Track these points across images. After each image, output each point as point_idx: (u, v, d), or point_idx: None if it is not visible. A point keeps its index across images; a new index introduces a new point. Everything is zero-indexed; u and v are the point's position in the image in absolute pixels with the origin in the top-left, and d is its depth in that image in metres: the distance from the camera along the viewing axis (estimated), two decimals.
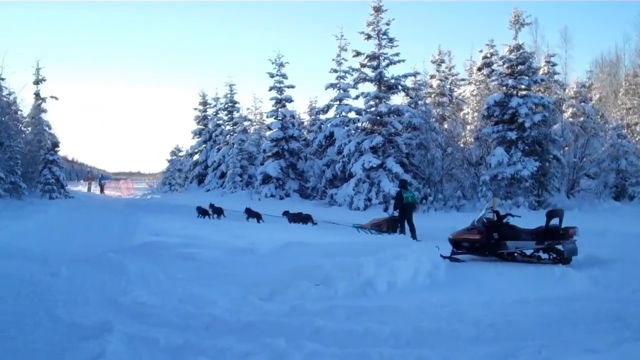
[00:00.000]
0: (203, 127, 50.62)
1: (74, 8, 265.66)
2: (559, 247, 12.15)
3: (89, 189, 56.01)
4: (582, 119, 30.31)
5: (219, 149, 47.14)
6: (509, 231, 12.77)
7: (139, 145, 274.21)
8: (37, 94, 37.51)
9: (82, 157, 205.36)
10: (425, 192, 27.79)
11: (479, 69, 33.75)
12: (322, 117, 39.22)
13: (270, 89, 38.81)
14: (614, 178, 26.92)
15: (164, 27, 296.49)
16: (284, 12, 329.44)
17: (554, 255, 12.29)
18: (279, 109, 38.36)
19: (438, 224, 19.69)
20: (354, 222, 20.10)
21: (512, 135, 26.15)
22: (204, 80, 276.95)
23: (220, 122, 49.90)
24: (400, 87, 31.97)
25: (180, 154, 52.99)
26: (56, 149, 38.35)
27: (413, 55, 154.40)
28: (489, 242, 12.78)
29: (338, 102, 35.85)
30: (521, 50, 27.62)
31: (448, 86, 36.84)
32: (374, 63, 31.26)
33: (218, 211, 25.09)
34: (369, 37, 30.94)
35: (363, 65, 31.82)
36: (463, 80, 39.58)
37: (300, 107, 68.48)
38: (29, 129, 37.76)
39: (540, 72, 31.56)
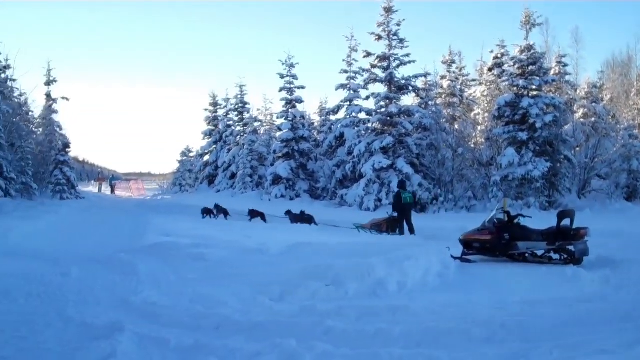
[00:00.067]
0: (213, 128, 50.65)
1: (85, 8, 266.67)
2: (570, 247, 12.10)
3: (100, 189, 56.26)
4: (593, 119, 30.15)
5: (229, 150, 47.16)
6: (520, 232, 12.73)
7: (149, 146, 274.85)
8: (48, 95, 37.70)
9: (93, 157, 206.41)
10: (435, 192, 27.74)
11: (490, 70, 33.62)
12: (333, 117, 39.27)
13: (281, 89, 38.81)
14: (626, 179, 26.80)
15: (176, 28, 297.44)
16: (295, 13, 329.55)
17: (565, 256, 12.24)
18: (289, 110, 38.36)
19: (448, 224, 19.64)
20: (355, 223, 20.14)
21: (523, 135, 26.06)
22: (214, 81, 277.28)
23: (231, 122, 49.92)
24: (410, 88, 31.94)
25: (191, 154, 53.13)
26: (67, 149, 38.51)
27: (423, 56, 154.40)
28: (499, 242, 12.75)
29: (348, 103, 35.85)
30: (532, 51, 27.52)
31: (459, 87, 36.76)
32: (385, 64, 31.24)
33: (223, 211, 25.23)
34: (379, 37, 30.92)
35: (373, 66, 31.81)
36: (474, 80, 39.43)
37: (310, 108, 68.45)
38: (40, 129, 38.00)
39: (552, 72, 31.47)
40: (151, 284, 9.86)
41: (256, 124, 48.37)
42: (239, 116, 49.74)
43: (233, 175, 45.02)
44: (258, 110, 52.62)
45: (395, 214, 18.93)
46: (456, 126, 31.60)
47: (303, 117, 40.02)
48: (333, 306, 7.96)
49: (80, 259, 12.36)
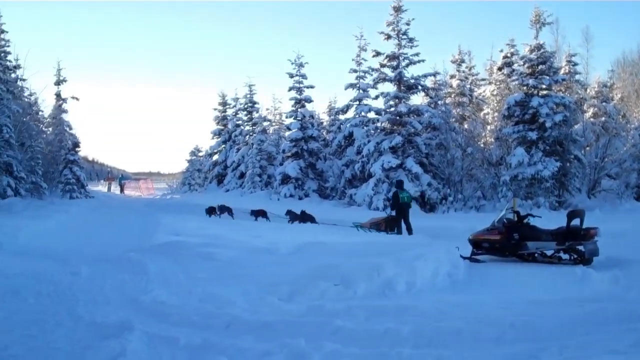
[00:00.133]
0: (222, 128, 50.68)
1: (93, 9, 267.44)
2: (580, 247, 12.05)
3: (109, 189, 56.52)
4: (603, 118, 30.07)
5: (238, 149, 47.20)
6: (530, 232, 12.68)
7: (158, 145, 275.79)
8: (58, 95, 37.83)
9: (103, 157, 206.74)
10: (444, 192, 27.70)
11: (499, 69, 33.53)
12: (342, 117, 39.17)
13: (290, 89, 38.84)
14: (636, 178, 26.65)
15: (185, 28, 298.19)
16: (304, 12, 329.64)
17: (575, 256, 12.19)
18: (299, 109, 38.40)
19: (457, 224, 19.63)
20: (355, 222, 20.34)
21: (533, 135, 25.98)
22: (224, 81, 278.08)
23: (240, 122, 49.96)
24: (420, 87, 31.89)
25: (200, 154, 53.23)
26: (77, 149, 38.61)
27: (433, 55, 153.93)
28: (509, 242, 12.70)
29: (357, 102, 35.82)
30: (542, 50, 27.43)
31: (468, 86, 36.68)
32: (394, 63, 31.18)
33: (227, 210, 25.49)
34: (388, 37, 30.86)
35: (383, 65, 31.75)
36: (483, 80, 39.33)
37: (319, 107, 68.62)
38: (50, 129, 38.15)
39: (561, 71, 31.35)
40: (160, 283, 9.89)
41: (265, 124, 48.41)
42: (248, 116, 49.77)
43: (242, 175, 45.07)
44: (267, 109, 52.77)
45: (394, 213, 19.20)
46: (465, 125, 31.55)
47: (312, 116, 40.03)
48: (342, 306, 7.95)
49: (89, 258, 12.41)
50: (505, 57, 33.12)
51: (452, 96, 35.22)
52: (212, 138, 51.50)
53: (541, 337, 6.41)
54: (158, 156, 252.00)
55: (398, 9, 30.47)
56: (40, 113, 37.17)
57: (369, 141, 30.98)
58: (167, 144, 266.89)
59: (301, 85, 38.73)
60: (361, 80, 35.93)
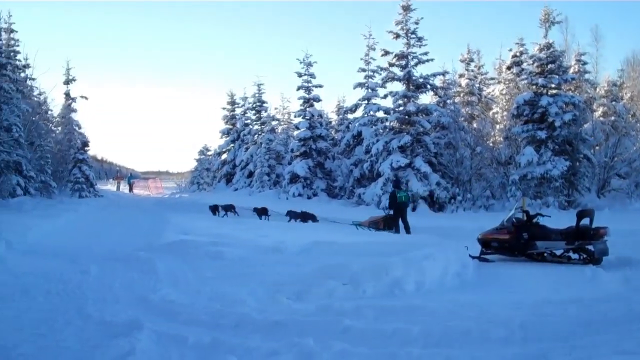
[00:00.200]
0: (231, 127, 50.72)
1: (103, 9, 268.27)
2: (590, 247, 12.02)
3: (118, 188, 56.71)
4: (613, 118, 29.96)
5: (246, 149, 47.28)
6: (539, 231, 12.67)
7: (167, 145, 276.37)
8: (67, 94, 38.03)
9: (111, 156, 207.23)
10: (453, 191, 27.65)
11: (509, 68, 33.46)
12: (350, 116, 39.17)
13: (298, 88, 38.86)
14: None
15: (194, 27, 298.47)
16: (313, 11, 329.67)
17: (585, 256, 12.16)
18: (307, 109, 38.40)
19: (466, 223, 19.63)
20: (354, 221, 20.60)
21: (542, 134, 25.91)
22: (232, 80, 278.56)
23: (248, 121, 50.03)
24: (428, 86, 31.82)
25: (209, 153, 53.32)
26: (86, 148, 38.81)
27: (442, 54, 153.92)
28: (518, 242, 12.69)
29: (366, 102, 35.80)
30: (551, 49, 27.36)
31: (477, 85, 36.58)
32: (403, 62, 31.11)
33: (231, 208, 25.77)
34: (397, 36, 30.79)
35: (391, 65, 31.68)
36: (492, 79, 39.21)
37: (328, 107, 68.34)
38: (59, 128, 38.31)
39: (571, 70, 31.26)
40: (169, 282, 9.91)
41: (274, 123, 48.39)
42: (257, 115, 49.83)
43: (250, 174, 45.15)
44: (275, 109, 52.84)
45: (392, 212, 19.46)
46: (474, 125, 31.46)
47: (321, 115, 40.04)
48: (350, 305, 7.94)
49: (99, 256, 12.46)
50: (514, 56, 33.06)
51: (461, 95, 35.12)
52: (221, 137, 51.62)
53: (550, 337, 6.39)
54: (167, 155, 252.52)
55: (407, 8, 30.40)
56: (49, 112, 37.33)
57: (377, 140, 30.93)
58: (176, 144, 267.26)
59: (310, 85, 38.76)
60: (370, 80, 35.91)
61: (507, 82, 32.79)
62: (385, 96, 33.34)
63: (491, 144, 30.12)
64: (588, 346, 5.97)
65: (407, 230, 19.06)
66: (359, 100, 36.41)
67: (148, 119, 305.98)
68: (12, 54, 31.21)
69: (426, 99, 33.49)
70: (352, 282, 9.21)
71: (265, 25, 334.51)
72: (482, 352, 5.97)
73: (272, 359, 5.88)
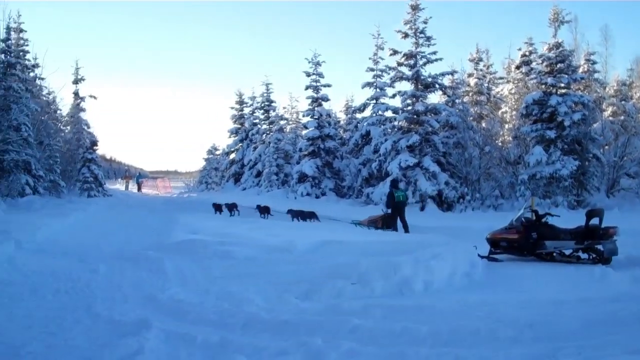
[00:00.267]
0: (239, 126, 50.71)
1: (112, 9, 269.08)
2: (599, 247, 12.02)
3: (127, 187, 56.86)
4: (622, 117, 29.86)
5: (255, 148, 47.29)
6: (548, 231, 12.65)
7: (176, 144, 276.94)
8: (76, 94, 38.16)
9: (120, 156, 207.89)
10: (462, 191, 27.59)
11: (518, 67, 33.39)
12: (359, 115, 39.12)
13: (307, 87, 38.79)
14: None
15: (203, 27, 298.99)
16: (321, 11, 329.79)
17: (594, 255, 12.15)
18: (315, 108, 38.35)
19: (475, 223, 19.58)
20: (353, 219, 21.03)
21: (551, 134, 25.82)
22: (240, 79, 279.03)
23: (257, 121, 50.00)
24: (437, 86, 31.70)
25: (217, 152, 53.46)
26: (95, 147, 38.90)
27: (450, 54, 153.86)
28: (527, 241, 12.68)
29: (374, 101, 35.75)
30: (560, 48, 27.26)
31: (486, 84, 36.44)
32: (411, 61, 31.02)
33: (234, 207, 25.86)
34: (406, 35, 30.70)
35: (400, 64, 31.57)
36: (501, 78, 39.07)
37: (336, 106, 68.31)
38: (68, 127, 38.42)
39: (580, 70, 31.16)
40: (178, 281, 9.94)
41: (282, 122, 48.27)
42: (265, 114, 49.79)
43: (259, 173, 45.16)
44: (284, 108, 52.82)
45: (390, 211, 19.60)
46: (483, 124, 31.39)
47: (329, 115, 40.00)
48: (359, 305, 7.94)
49: (107, 256, 12.50)
50: (523, 55, 33.00)
51: (470, 95, 35.02)
52: (229, 137, 51.57)
53: (559, 337, 6.38)
54: (175, 155, 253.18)
55: (415, 8, 30.31)
56: (58, 112, 37.42)
57: (386, 140, 30.85)
58: (184, 143, 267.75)
59: (318, 84, 38.71)
60: (378, 79, 35.84)
61: (516, 82, 32.72)
62: (393, 96, 33.26)
63: (500, 144, 30.05)
64: (597, 346, 5.96)
65: (406, 229, 19.21)
66: (368, 99, 36.35)
67: (157, 118, 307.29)
68: (21, 53, 31.27)
69: (435, 98, 33.44)
70: (360, 282, 9.21)
71: (274, 25, 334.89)
72: (491, 352, 5.96)
73: (281, 358, 5.88)
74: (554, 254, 12.57)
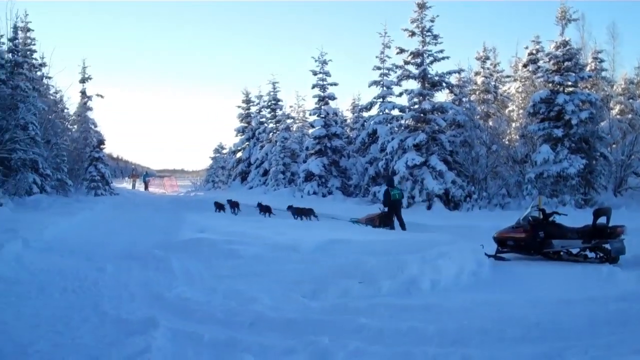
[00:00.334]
0: (246, 125, 50.76)
1: (119, 8, 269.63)
2: (606, 246, 11.98)
3: (134, 186, 56.93)
4: (630, 116, 29.76)
5: (261, 147, 47.32)
6: (555, 229, 12.63)
7: (183, 143, 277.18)
8: (83, 92, 38.26)
9: (127, 154, 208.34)
10: (469, 190, 27.54)
11: (525, 66, 33.34)
12: (365, 114, 39.09)
13: (313, 86, 38.80)
14: None
15: (207, 26, 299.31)
16: (328, 9, 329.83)
17: (601, 254, 12.12)
18: (322, 107, 38.35)
19: (482, 222, 19.57)
20: (352, 217, 21.24)
21: (559, 132, 25.74)
22: (247, 78, 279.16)
23: (263, 119, 50.04)
24: (444, 84, 31.63)
25: (224, 151, 53.55)
26: (102, 146, 38.96)
27: (457, 52, 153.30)
28: (534, 240, 12.66)
29: (381, 100, 35.75)
30: (568, 47, 27.15)
31: (493, 83, 36.33)
32: (418, 60, 30.94)
33: (236, 205, 26.11)
34: (412, 34, 30.62)
35: (407, 63, 31.48)
36: (508, 77, 38.98)
37: (343, 105, 68.35)
38: (75, 126, 38.53)
39: (587, 68, 31.05)
40: (185, 280, 9.95)
41: (289, 121, 48.26)
42: (272, 113, 49.80)
43: (265, 172, 45.19)
44: (290, 107, 52.71)
45: (387, 210, 20.05)
46: (490, 123, 31.30)
47: (336, 113, 40.01)
48: (366, 304, 7.94)
49: (114, 254, 12.52)
50: (530, 53, 32.96)
51: (477, 93, 34.93)
52: (236, 135, 51.65)
53: (567, 336, 6.37)
54: (182, 154, 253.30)
55: (422, 6, 30.24)
56: (65, 111, 37.48)
57: (392, 138, 30.80)
58: (191, 142, 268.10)
59: (325, 83, 38.72)
60: (385, 78, 35.82)
61: (523, 80, 32.67)
62: (400, 94, 33.22)
63: (507, 142, 29.99)
64: (605, 345, 5.95)
65: (402, 226, 19.54)
66: (374, 98, 36.37)
67: (163, 117, 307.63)
68: (28, 52, 31.35)
69: (442, 97, 33.38)
70: (367, 281, 9.22)
71: (281, 24, 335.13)
72: (498, 351, 5.96)
73: (288, 357, 5.90)
74: (561, 253, 12.54)
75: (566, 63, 26.82)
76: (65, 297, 8.57)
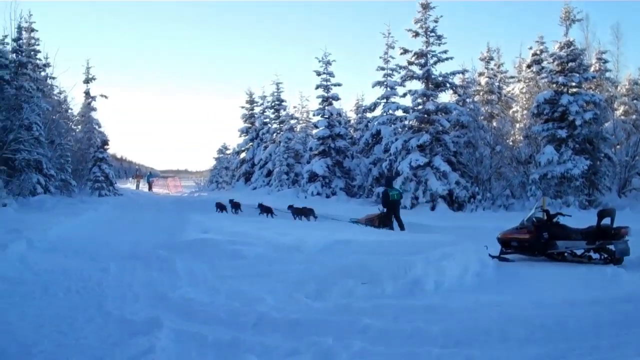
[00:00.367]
0: (250, 126, 50.74)
1: (123, 9, 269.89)
2: (611, 247, 11.98)
3: (138, 186, 56.96)
4: (634, 116, 29.75)
5: (265, 147, 47.33)
6: (559, 230, 12.61)
7: (186, 143, 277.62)
8: (87, 93, 38.30)
9: (131, 155, 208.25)
10: (473, 190, 27.52)
11: (529, 66, 33.29)
12: (369, 115, 39.13)
13: (317, 87, 38.77)
14: None
15: (211, 26, 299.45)
16: (332, 10, 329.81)
17: (605, 256, 12.11)
18: (326, 107, 38.33)
19: (486, 223, 19.54)
20: (351, 218, 21.49)
21: (562, 133, 25.72)
22: (251, 79, 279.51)
23: (267, 120, 50.02)
24: (448, 85, 31.58)
25: (227, 152, 53.56)
26: (105, 147, 39.03)
27: (461, 53, 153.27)
28: (538, 241, 12.64)
29: (385, 100, 35.74)
30: (572, 47, 27.13)
31: (497, 84, 36.32)
32: (422, 61, 30.93)
33: (237, 206, 26.25)
34: (416, 34, 30.61)
35: (410, 63, 31.47)
36: (512, 77, 38.92)
37: (347, 105, 68.46)
38: (79, 127, 38.58)
39: (592, 69, 31.05)
40: (189, 280, 9.94)
41: (292, 122, 48.26)
42: (275, 113, 49.78)
43: (269, 173, 45.20)
44: (294, 107, 52.85)
45: (385, 210, 20.18)
46: (494, 123, 31.32)
47: (339, 114, 39.94)
48: (369, 304, 7.93)
49: (118, 255, 12.51)
50: (534, 54, 32.91)
51: (481, 94, 34.94)
52: (240, 136, 51.59)
53: (571, 338, 6.35)
54: (186, 154, 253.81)
55: (426, 7, 30.23)
56: (69, 111, 37.56)
57: (396, 139, 30.82)
58: (195, 142, 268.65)
59: (328, 83, 38.70)
60: (389, 78, 35.82)
61: (527, 81, 32.63)
62: (404, 95, 33.13)
63: (511, 143, 29.96)
64: (609, 347, 5.94)
65: (401, 227, 19.64)
66: (378, 98, 36.38)
67: (167, 118, 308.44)
68: (32, 53, 31.42)
69: (445, 97, 33.33)
70: (371, 281, 9.20)
71: (285, 25, 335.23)
72: (502, 352, 5.95)
73: (291, 358, 5.89)
74: (565, 254, 12.53)
75: (570, 64, 26.80)
76: (69, 298, 8.56)
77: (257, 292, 8.72)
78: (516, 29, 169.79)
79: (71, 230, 17.24)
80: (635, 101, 30.88)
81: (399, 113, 34.25)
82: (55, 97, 34.74)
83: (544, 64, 30.35)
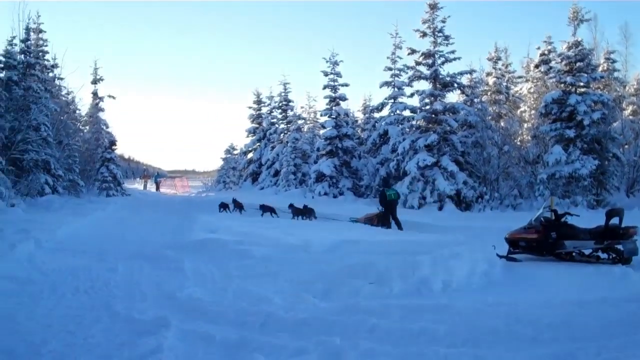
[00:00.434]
0: (257, 126, 50.73)
1: (131, 10, 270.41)
2: (619, 246, 11.92)
3: (145, 186, 57.04)
4: None
5: (272, 148, 47.32)
6: (568, 230, 12.56)
7: (194, 144, 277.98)
8: (94, 93, 38.43)
9: (139, 155, 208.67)
10: (481, 190, 27.48)
11: (536, 66, 33.23)
12: (377, 115, 39.10)
13: (324, 87, 38.72)
14: None
15: (219, 27, 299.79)
16: (339, 10, 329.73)
17: (614, 255, 12.05)
18: (333, 108, 38.28)
19: (494, 223, 19.49)
20: (351, 217, 21.83)
21: (571, 133, 25.65)
22: (258, 79, 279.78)
23: (275, 120, 50.01)
24: (455, 85, 31.57)
25: (235, 152, 53.58)
26: (113, 147, 39.13)
27: (469, 53, 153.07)
28: (546, 241, 12.59)
29: (392, 100, 35.69)
30: (580, 47, 27.05)
31: (504, 83, 36.20)
32: (429, 61, 30.91)
33: (239, 206, 26.33)
34: (424, 34, 30.59)
35: (418, 63, 31.46)
36: (520, 77, 38.82)
37: (354, 105, 68.47)
38: (87, 127, 38.72)
39: (600, 69, 30.99)
40: (196, 280, 9.96)
41: (300, 122, 48.28)
42: (283, 114, 49.77)
43: (277, 173, 45.17)
44: (302, 107, 52.75)
45: (383, 210, 20.66)
46: (502, 123, 31.24)
47: (347, 114, 39.89)
48: (377, 304, 7.92)
49: (126, 254, 12.54)
50: (542, 54, 32.85)
51: (489, 94, 34.83)
52: (247, 136, 51.58)
53: (579, 338, 6.33)
54: (193, 154, 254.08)
55: (434, 7, 30.21)
56: (77, 111, 37.67)
57: (404, 139, 30.80)
58: (202, 143, 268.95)
59: (336, 84, 38.64)
60: (396, 78, 35.77)
61: (535, 81, 32.57)
62: (411, 95, 33.12)
63: (519, 143, 29.91)
64: (617, 347, 5.91)
65: (399, 226, 20.03)
66: (386, 99, 36.33)
67: (175, 118, 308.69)
68: (40, 54, 31.55)
69: (453, 97, 33.26)
70: (378, 281, 9.20)
71: (292, 25, 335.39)
72: (510, 352, 5.94)
73: (299, 358, 5.88)
74: (574, 254, 12.48)
75: (578, 63, 26.73)
76: (77, 297, 8.58)
77: (265, 291, 8.73)
78: (524, 29, 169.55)
79: (79, 230, 17.31)
80: None
81: (407, 113, 34.22)
82: (63, 98, 34.85)
83: (552, 63, 30.31)
